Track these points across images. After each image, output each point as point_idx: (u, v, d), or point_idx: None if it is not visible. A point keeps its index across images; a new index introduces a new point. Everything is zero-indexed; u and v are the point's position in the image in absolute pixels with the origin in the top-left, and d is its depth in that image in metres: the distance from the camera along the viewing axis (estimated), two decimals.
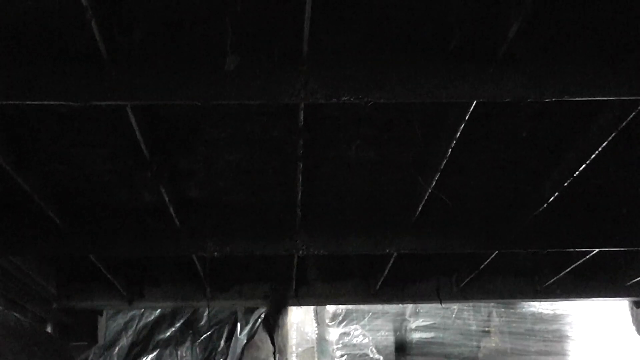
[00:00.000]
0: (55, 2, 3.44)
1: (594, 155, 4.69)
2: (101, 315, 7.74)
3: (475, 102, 4.04)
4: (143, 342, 9.24)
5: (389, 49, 3.77)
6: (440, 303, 7.83)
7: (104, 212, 5.57)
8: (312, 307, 11.01)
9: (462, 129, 4.34)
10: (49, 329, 7.00)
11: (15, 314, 6.29)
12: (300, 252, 5.94)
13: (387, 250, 6.01)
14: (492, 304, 10.94)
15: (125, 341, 9.12)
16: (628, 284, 7.90)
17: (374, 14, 3.60)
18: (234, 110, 4.45)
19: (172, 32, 3.63)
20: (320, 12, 3.50)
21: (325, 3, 3.49)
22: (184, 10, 3.50)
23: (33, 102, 3.71)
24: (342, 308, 11.01)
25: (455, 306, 10.98)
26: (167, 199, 5.15)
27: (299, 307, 10.91)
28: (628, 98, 3.93)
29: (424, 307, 10.92)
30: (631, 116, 4.23)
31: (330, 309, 11.08)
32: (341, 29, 3.66)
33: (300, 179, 4.99)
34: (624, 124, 4.33)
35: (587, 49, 3.81)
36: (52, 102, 3.71)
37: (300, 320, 11.18)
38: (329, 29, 3.65)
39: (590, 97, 3.88)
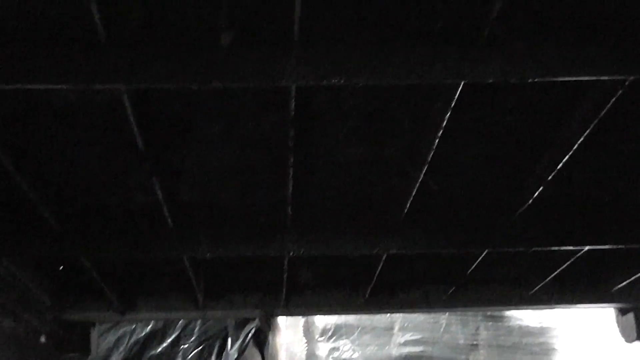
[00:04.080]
0: None
1: (576, 146, 4.82)
2: (94, 327, 7.78)
3: (460, 89, 4.19)
4: (135, 358, 9.28)
5: (378, 33, 3.92)
6: (429, 311, 7.91)
7: (98, 214, 5.65)
8: (301, 325, 11.09)
9: (448, 118, 4.48)
10: (42, 340, 7.04)
11: (11, 321, 6.34)
12: (292, 253, 6.04)
13: (376, 250, 6.11)
14: (479, 318, 11.05)
15: (116, 357, 9.15)
16: (613, 290, 7.97)
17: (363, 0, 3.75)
18: (227, 104, 4.57)
19: (169, 15, 3.76)
20: None
21: None
22: None
23: (31, 87, 3.81)
24: (331, 323, 11.10)
25: (443, 320, 11.08)
26: (160, 196, 5.25)
27: (287, 328, 10.99)
28: (611, 78, 4.07)
29: (412, 321, 11.02)
30: (612, 101, 4.37)
31: (320, 324, 11.15)
32: (331, 11, 3.80)
33: (291, 174, 5.10)
34: (605, 110, 4.47)
35: (569, 28, 3.97)
36: (50, 86, 3.81)
37: (289, 340, 11.23)
38: (320, 11, 3.78)
39: (573, 77, 4.02)
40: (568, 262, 7.05)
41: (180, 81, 3.82)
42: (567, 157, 4.97)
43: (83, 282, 7.13)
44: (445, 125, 4.56)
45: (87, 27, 3.73)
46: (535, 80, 4.01)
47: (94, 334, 7.84)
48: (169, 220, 5.65)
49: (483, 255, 6.60)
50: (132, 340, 9.24)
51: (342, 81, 3.90)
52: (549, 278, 7.57)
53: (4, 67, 3.75)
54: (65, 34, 3.78)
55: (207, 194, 5.55)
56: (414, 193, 5.38)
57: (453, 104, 4.34)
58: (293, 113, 4.43)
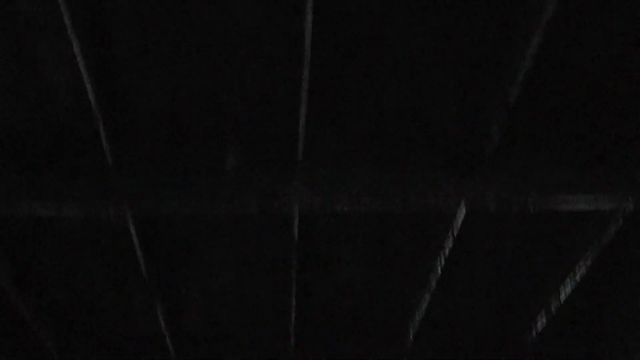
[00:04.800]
0: (66, 112, 3.65)
1: (580, 277, 4.83)
2: None
3: (462, 216, 4.24)
4: None
5: (380, 156, 3.99)
6: None
7: (99, 342, 5.62)
8: None
9: (450, 245, 4.51)
10: None
11: None
12: None
13: None
14: None
15: None
16: None
17: (365, 123, 3.82)
18: (230, 229, 4.60)
19: (175, 139, 3.84)
20: (315, 118, 3.73)
21: (319, 110, 3.71)
22: (188, 116, 3.72)
23: (38, 211, 3.86)
24: None
25: None
26: (163, 324, 5.23)
27: None
28: (611, 208, 4.10)
29: None
30: (613, 230, 4.40)
31: None
32: (334, 136, 3.87)
33: (294, 304, 5.09)
34: (607, 240, 4.49)
35: (568, 157, 4.04)
36: (57, 211, 3.86)
37: None
38: (323, 135, 3.86)
39: (573, 207, 4.05)
40: None
41: (185, 206, 3.86)
42: (571, 289, 4.97)
43: None
44: (448, 252, 4.59)
45: (95, 151, 3.82)
46: (536, 209, 4.04)
47: None
48: (171, 349, 5.61)
49: None
50: None
51: (345, 207, 3.94)
52: None
53: (12, 191, 3.81)
54: (73, 157, 3.85)
55: (210, 321, 5.53)
56: (418, 320, 5.35)
57: (455, 231, 4.38)
58: (297, 238, 4.46)
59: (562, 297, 5.10)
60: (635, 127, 3.88)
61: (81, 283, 4.98)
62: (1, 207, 3.80)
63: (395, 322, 5.56)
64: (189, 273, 4.96)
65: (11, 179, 3.80)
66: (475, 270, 5.05)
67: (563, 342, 5.92)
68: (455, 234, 4.41)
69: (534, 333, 5.60)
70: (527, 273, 5.11)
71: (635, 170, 4.03)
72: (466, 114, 3.85)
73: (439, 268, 4.72)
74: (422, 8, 3.32)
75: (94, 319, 5.37)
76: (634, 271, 5.13)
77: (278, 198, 3.93)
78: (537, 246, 4.85)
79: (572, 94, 3.73)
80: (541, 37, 3.28)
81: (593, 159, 4.05)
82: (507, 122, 3.74)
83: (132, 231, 4.29)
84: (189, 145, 3.87)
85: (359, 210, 4.01)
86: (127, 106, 3.68)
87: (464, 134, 3.96)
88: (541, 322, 5.44)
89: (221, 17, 3.32)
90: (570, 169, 4.03)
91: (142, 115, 3.73)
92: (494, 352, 5.91)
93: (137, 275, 4.77)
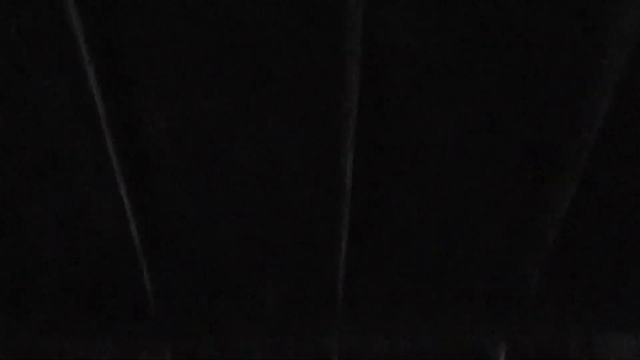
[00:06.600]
0: (109, 250, 3.72)
1: None
2: None
3: (504, 353, 4.19)
4: None
5: (419, 294, 3.99)
6: None
7: None
8: None
9: None
10: None
11: None
12: None
13: None
14: None
15: None
16: None
17: (404, 262, 3.85)
18: None
19: (216, 278, 3.87)
20: (354, 256, 3.77)
21: (359, 249, 3.75)
22: (227, 255, 3.77)
23: (77, 349, 3.87)
24: None
25: None
26: None
27: None
28: None
29: None
30: None
31: None
32: (374, 275, 3.89)
33: None
34: None
35: (608, 296, 4.01)
36: (97, 351, 3.87)
37: None
38: (363, 274, 3.89)
39: (617, 356, 4.01)
40: None
41: (223, 349, 3.87)
42: None
43: None
44: None
45: (136, 290, 3.86)
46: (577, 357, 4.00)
47: None
48: None
49: None
50: None
51: (385, 348, 3.92)
52: None
53: (50, 327, 3.84)
54: (115, 295, 3.89)
55: None
56: None
57: None
58: None
59: None
60: None
61: None
62: (37, 343, 3.81)
63: None
64: None
65: (49, 314, 3.84)
66: None
67: None
68: None
69: None
70: None
71: None
72: (505, 256, 3.87)
73: None
74: (463, 151, 3.40)
75: None
76: None
77: (317, 339, 3.92)
78: None
79: (612, 234, 3.75)
80: (580, 178, 3.33)
81: (636, 299, 4.02)
82: (545, 263, 3.75)
83: None
84: (229, 285, 3.90)
85: (399, 351, 3.98)
86: (169, 246, 3.74)
87: (503, 275, 3.96)
88: None
89: (262, 157, 3.41)
90: (612, 313, 4.00)
91: (183, 255, 3.78)
92: None
93: None
